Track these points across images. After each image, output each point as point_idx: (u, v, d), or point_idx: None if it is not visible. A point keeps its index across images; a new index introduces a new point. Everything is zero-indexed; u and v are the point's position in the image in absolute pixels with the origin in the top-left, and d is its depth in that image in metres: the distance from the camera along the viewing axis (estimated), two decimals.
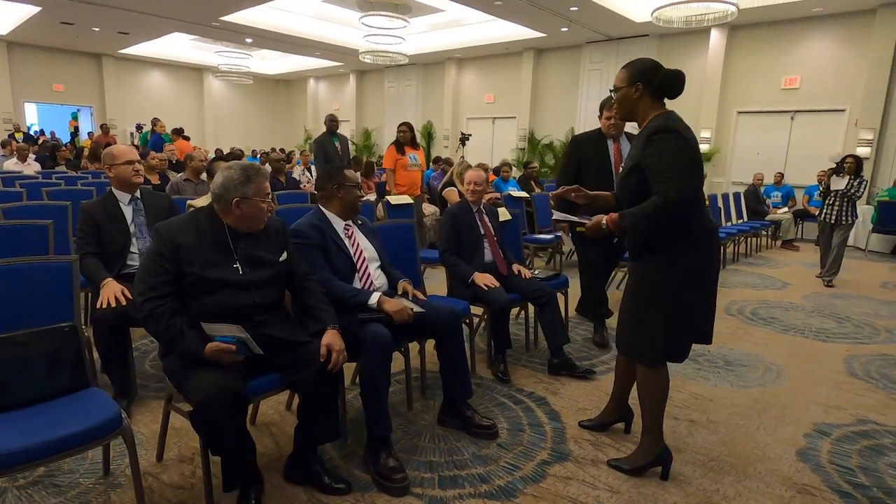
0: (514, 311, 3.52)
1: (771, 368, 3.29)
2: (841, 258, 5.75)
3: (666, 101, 2.01)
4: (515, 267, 3.28)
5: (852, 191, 5.65)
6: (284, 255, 2.11)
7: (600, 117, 3.42)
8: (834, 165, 5.95)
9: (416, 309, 2.31)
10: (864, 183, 5.75)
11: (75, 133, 14.89)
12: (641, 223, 1.94)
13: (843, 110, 8.82)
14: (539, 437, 2.40)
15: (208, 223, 1.97)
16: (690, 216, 1.93)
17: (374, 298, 2.27)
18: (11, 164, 7.79)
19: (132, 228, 2.70)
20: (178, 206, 3.00)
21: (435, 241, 5.69)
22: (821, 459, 2.30)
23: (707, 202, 5.62)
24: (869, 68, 8.35)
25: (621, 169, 2.34)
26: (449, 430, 2.41)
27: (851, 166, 5.68)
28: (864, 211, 8.17)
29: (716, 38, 9.67)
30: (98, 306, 2.36)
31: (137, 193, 2.78)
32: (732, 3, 6.66)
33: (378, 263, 2.52)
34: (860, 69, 8.52)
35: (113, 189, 2.75)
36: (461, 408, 2.41)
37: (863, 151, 8.42)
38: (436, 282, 4.67)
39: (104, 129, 12.38)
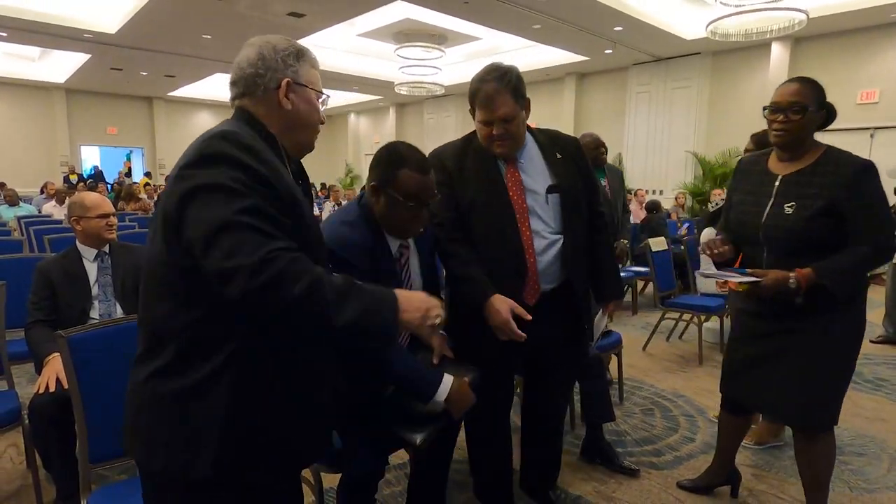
0: None
1: None
2: None
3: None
4: None
5: None
6: None
7: (481, 123, 1.78)
8: None
9: (471, 376, 1.56)
10: None
11: (128, 173, 15.40)
12: (849, 278, 1.62)
13: None
14: None
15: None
16: None
17: (445, 389, 1.42)
18: (49, 207, 7.87)
19: (94, 290, 2.29)
20: None
21: None
22: None
23: None
24: None
25: (792, 207, 1.65)
26: None
27: None
28: None
29: (777, 52, 8.85)
30: (36, 391, 1.94)
31: (106, 248, 2.39)
32: (802, 11, 5.94)
33: None
34: None
35: (78, 243, 2.36)
36: None
37: None
38: None
39: None
